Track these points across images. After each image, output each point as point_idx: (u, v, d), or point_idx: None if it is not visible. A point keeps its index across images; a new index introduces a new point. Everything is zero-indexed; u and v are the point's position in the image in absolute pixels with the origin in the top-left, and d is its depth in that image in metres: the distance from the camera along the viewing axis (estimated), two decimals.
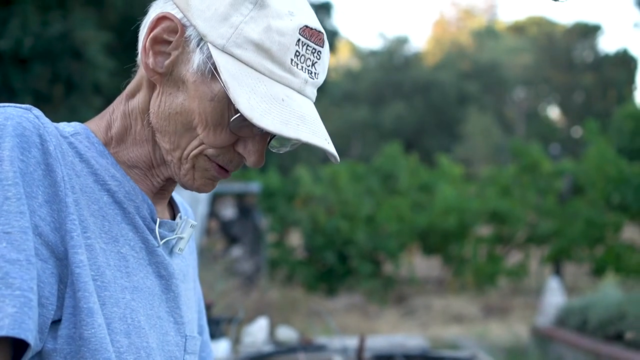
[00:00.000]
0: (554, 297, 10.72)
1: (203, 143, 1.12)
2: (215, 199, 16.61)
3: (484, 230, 16.63)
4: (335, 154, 1.12)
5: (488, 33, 48.23)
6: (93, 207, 1.09)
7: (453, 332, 11.97)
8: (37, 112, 1.07)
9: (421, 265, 17.29)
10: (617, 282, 12.14)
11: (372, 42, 76.95)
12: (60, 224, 1.02)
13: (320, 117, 1.20)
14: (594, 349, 8.73)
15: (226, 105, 1.09)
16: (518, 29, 47.34)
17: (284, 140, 1.19)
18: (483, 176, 19.00)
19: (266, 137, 1.14)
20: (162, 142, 1.15)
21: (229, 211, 18.36)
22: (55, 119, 1.17)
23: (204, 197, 15.81)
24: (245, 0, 1.08)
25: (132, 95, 1.19)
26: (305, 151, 32.64)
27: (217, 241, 17.27)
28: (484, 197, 16.27)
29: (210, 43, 1.08)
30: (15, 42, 15.41)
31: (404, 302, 14.55)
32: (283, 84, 1.09)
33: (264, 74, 1.07)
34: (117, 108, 1.19)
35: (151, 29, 1.12)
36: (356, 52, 48.06)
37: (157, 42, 1.12)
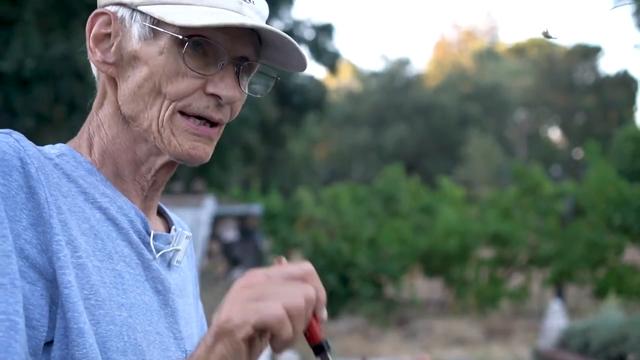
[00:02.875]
0: (556, 319, 10.67)
1: (172, 101, 1.14)
2: (216, 221, 16.59)
3: (486, 252, 16.59)
4: (264, 27, 1.15)
5: (489, 55, 48.40)
6: (84, 226, 1.09)
7: (455, 355, 11.91)
8: (17, 135, 1.07)
9: (423, 287, 17.22)
10: (619, 304, 12.09)
11: (373, 64, 77.40)
12: (46, 246, 1.02)
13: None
14: None
15: (176, 51, 1.13)
16: (519, 50, 47.50)
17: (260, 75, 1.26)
18: (484, 198, 18.97)
19: (231, 68, 1.17)
20: (140, 124, 1.17)
21: (230, 233, 18.32)
22: (56, 140, 1.17)
23: (205, 219, 15.79)
24: None
25: (100, 105, 1.22)
26: (307, 174, 32.65)
27: (218, 263, 17.23)
28: (485, 219, 16.23)
29: (138, 7, 1.15)
30: (17, 64, 15.48)
31: (406, 324, 14.48)
32: (217, 7, 1.14)
33: (195, 5, 1.14)
34: (91, 124, 1.22)
35: (89, 31, 1.18)
36: (357, 73, 48.22)
37: (99, 39, 1.18)
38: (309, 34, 26.82)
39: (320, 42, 26.84)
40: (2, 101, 15.93)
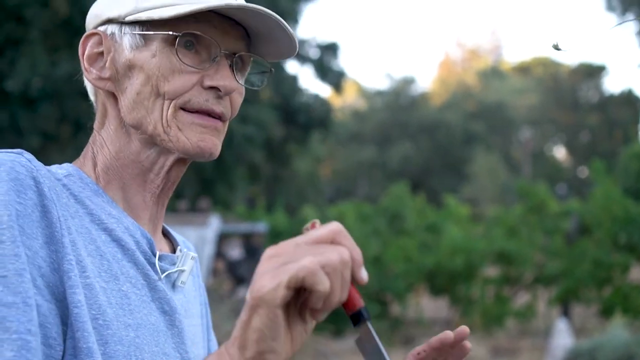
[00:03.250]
0: (562, 338, 10.63)
1: (172, 99, 1.17)
2: (221, 240, 16.57)
3: (491, 270, 16.54)
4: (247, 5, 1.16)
5: (494, 73, 48.50)
6: (90, 247, 1.09)
7: None
8: (28, 155, 1.09)
9: (428, 306, 17.17)
10: (625, 323, 12.03)
11: (378, 82, 77.38)
12: (58, 265, 1.03)
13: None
14: None
15: (169, 51, 1.16)
16: (523, 69, 47.59)
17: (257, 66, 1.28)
18: (490, 216, 18.95)
19: (225, 61, 1.19)
20: (145, 130, 1.19)
21: (235, 252, 18.30)
22: (62, 159, 1.18)
23: (211, 238, 15.79)
24: None
25: (102, 124, 1.24)
26: (312, 192, 32.63)
27: (223, 282, 17.20)
28: (491, 237, 16.20)
29: (125, 19, 1.18)
30: (23, 83, 15.56)
31: (412, 343, 14.41)
32: (203, 3, 1.15)
33: (178, 4, 1.15)
34: (95, 144, 1.24)
35: (82, 54, 1.21)
36: (362, 92, 48.33)
37: (92, 59, 1.21)
38: (314, 53, 26.93)
39: (326, 61, 26.93)
40: (9, 120, 15.99)
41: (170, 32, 1.15)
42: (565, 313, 15.55)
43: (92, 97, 1.28)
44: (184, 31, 1.15)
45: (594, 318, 15.96)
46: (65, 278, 1.02)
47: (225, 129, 1.24)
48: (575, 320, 15.47)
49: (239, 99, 1.24)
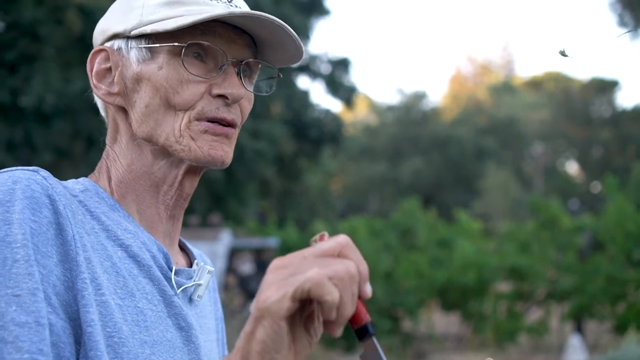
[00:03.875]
0: (576, 354, 10.56)
1: (184, 110, 1.17)
2: (233, 254, 16.58)
3: (504, 286, 16.47)
4: (249, 11, 1.17)
5: (505, 88, 48.45)
6: (106, 264, 1.10)
7: None
8: (44, 173, 1.09)
9: (440, 321, 17.10)
10: (639, 339, 11.93)
11: (389, 97, 77.60)
12: (72, 283, 1.03)
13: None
14: None
15: (175, 62, 1.17)
16: (535, 84, 47.54)
17: (266, 70, 1.28)
18: (502, 232, 18.88)
19: (232, 69, 1.20)
20: (157, 142, 1.19)
21: (246, 266, 18.31)
22: (75, 174, 1.19)
23: (222, 253, 15.80)
24: None
25: (114, 139, 1.25)
26: (323, 207, 32.61)
27: (235, 297, 17.20)
28: (503, 252, 16.13)
29: (131, 33, 1.19)
30: (37, 99, 15.65)
31: (423, 359, 14.36)
32: (206, 13, 1.15)
33: (182, 16, 1.16)
34: (108, 159, 1.25)
35: (90, 70, 1.23)
36: (374, 107, 48.37)
37: (101, 75, 1.22)
38: (325, 69, 26.99)
39: (337, 76, 26.98)
40: (23, 136, 16.09)
41: (176, 44, 1.16)
42: (579, 329, 15.45)
43: (102, 112, 1.29)
44: (189, 42, 1.16)
45: (608, 334, 15.86)
46: (79, 297, 1.02)
47: (236, 136, 1.25)
48: (588, 337, 15.37)
49: (247, 105, 1.25)
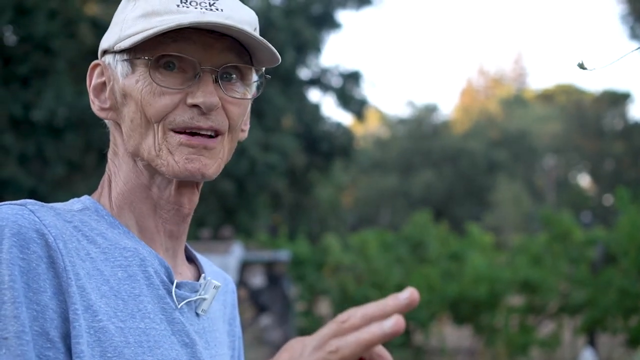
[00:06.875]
0: None
1: (158, 121, 1.16)
2: (244, 267, 16.58)
3: (515, 299, 16.39)
4: (225, 23, 1.14)
5: (517, 101, 48.42)
6: (103, 288, 1.09)
7: None
8: (32, 206, 1.08)
9: (452, 335, 17.03)
10: None
11: (400, 110, 77.57)
12: (66, 315, 1.03)
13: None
14: None
15: (148, 75, 1.15)
16: (547, 97, 47.48)
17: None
18: (513, 245, 18.81)
19: (208, 77, 1.16)
20: (142, 156, 1.18)
21: (257, 279, 18.29)
22: (87, 187, 1.20)
23: (233, 266, 15.79)
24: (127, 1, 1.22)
25: (114, 152, 1.25)
26: (334, 220, 32.59)
27: (245, 310, 17.18)
28: (515, 266, 16.07)
29: (114, 48, 1.20)
30: (49, 113, 15.74)
31: None
32: (168, 23, 1.14)
33: (155, 27, 1.14)
34: (109, 172, 1.25)
35: (89, 84, 1.24)
36: (385, 120, 48.37)
37: (98, 90, 1.23)
38: (336, 82, 27.02)
39: (348, 89, 26.99)
40: (35, 149, 16.16)
41: (145, 57, 1.15)
42: (591, 343, 15.36)
43: (107, 122, 1.29)
44: (160, 53, 1.15)
45: (621, 348, 15.75)
46: (70, 328, 1.03)
47: (225, 145, 1.21)
48: (601, 350, 15.27)
49: (236, 109, 1.20)
